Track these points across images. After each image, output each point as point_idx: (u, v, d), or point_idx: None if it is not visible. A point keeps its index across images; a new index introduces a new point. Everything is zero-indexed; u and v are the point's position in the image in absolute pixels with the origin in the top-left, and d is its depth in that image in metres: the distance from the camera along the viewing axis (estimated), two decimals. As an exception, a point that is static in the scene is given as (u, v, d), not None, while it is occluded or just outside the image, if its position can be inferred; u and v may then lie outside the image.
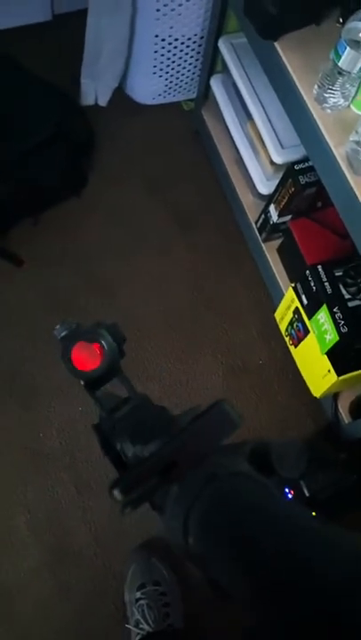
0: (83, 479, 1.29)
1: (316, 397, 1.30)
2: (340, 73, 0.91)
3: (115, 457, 0.52)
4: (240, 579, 0.40)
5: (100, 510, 1.27)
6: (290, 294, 1.27)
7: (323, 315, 1.16)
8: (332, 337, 1.14)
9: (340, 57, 0.89)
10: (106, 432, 0.54)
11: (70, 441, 1.32)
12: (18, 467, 1.29)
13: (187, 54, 1.51)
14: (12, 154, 1.39)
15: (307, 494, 1.18)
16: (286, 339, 1.36)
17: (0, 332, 1.40)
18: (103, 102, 1.58)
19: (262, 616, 0.39)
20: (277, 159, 1.25)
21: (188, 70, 1.57)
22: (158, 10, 1.36)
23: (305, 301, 1.22)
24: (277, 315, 1.38)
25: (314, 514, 1.23)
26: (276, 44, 1.03)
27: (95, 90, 1.55)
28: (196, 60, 1.54)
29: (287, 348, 1.36)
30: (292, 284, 1.25)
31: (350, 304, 1.15)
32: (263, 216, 1.40)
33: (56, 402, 1.35)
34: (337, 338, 1.13)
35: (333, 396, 1.30)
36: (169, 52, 1.49)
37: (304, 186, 1.21)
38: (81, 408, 1.34)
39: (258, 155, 1.38)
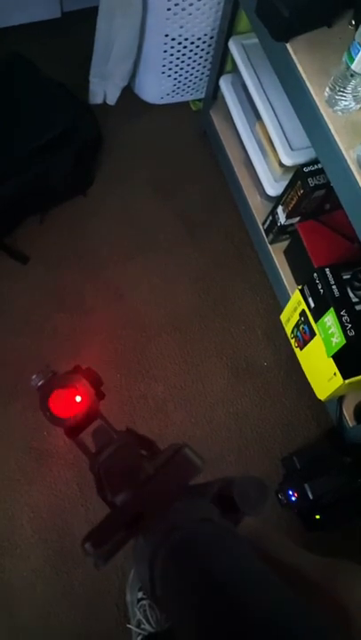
0: (86, 478, 1.29)
1: (320, 400, 1.30)
2: (352, 76, 0.90)
3: (108, 500, 0.53)
4: (188, 625, 0.41)
5: (103, 510, 1.26)
6: (296, 296, 1.26)
7: (330, 318, 1.15)
8: (338, 340, 1.14)
9: (354, 60, 0.88)
10: (95, 475, 0.56)
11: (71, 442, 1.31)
12: (22, 466, 1.29)
13: (196, 54, 1.51)
14: (21, 152, 1.39)
15: (311, 497, 1.17)
16: (292, 341, 1.35)
17: (5, 331, 1.40)
18: (112, 101, 1.57)
19: None
20: (286, 161, 1.24)
21: (198, 70, 1.57)
22: (169, 9, 1.35)
23: (312, 304, 1.21)
24: (283, 317, 1.37)
25: (318, 517, 1.22)
26: (287, 46, 1.02)
27: (104, 89, 1.54)
28: (206, 60, 1.53)
29: (293, 350, 1.36)
30: (299, 287, 1.24)
31: (358, 307, 1.15)
32: (271, 218, 1.40)
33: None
34: (344, 341, 1.12)
35: (338, 399, 1.30)
36: (179, 51, 1.48)
37: (313, 188, 1.20)
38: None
39: (266, 156, 1.37)
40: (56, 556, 1.23)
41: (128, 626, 1.14)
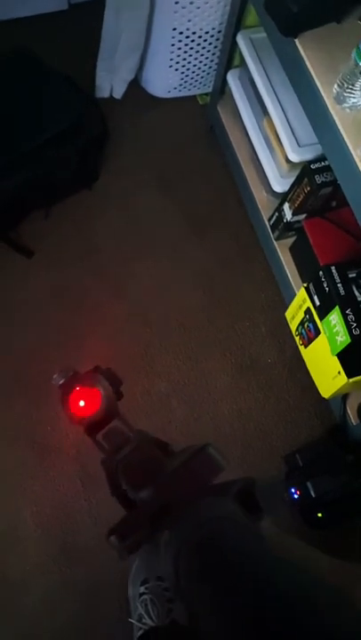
0: (89, 473, 1.29)
1: (324, 398, 1.29)
2: (361, 73, 0.89)
3: (121, 495, 0.55)
4: (213, 613, 0.43)
5: (105, 504, 1.28)
6: (302, 294, 1.26)
7: (335, 316, 1.15)
8: (343, 339, 1.13)
9: (362, 56, 0.87)
10: (111, 471, 0.57)
11: (77, 435, 1.32)
12: (25, 461, 1.29)
13: (204, 48, 1.50)
14: (26, 147, 1.38)
15: (313, 496, 1.17)
16: (296, 338, 1.35)
17: (9, 326, 1.40)
18: (118, 95, 1.57)
19: None
20: (293, 157, 1.24)
21: (205, 64, 1.56)
22: (177, 2, 1.34)
23: (317, 302, 1.21)
24: (288, 314, 1.37)
25: (320, 515, 1.22)
26: (296, 41, 1.01)
27: (111, 83, 1.54)
28: (214, 54, 1.52)
29: (297, 347, 1.35)
30: (305, 285, 1.24)
31: (363, 306, 1.14)
32: (277, 214, 1.39)
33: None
34: (349, 340, 1.12)
35: (342, 397, 1.30)
36: (186, 45, 1.47)
37: (320, 185, 1.19)
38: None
39: (273, 152, 1.36)
40: (59, 550, 1.23)
41: (130, 620, 1.15)
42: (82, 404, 0.58)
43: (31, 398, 1.34)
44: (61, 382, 0.60)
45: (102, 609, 1.20)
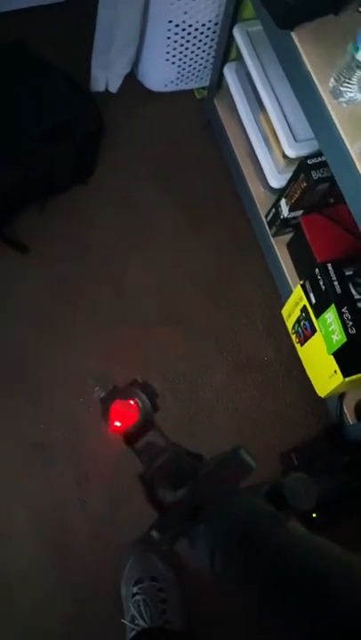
0: (83, 471, 1.28)
1: (321, 397, 1.28)
2: (358, 66, 0.87)
3: (157, 503, 0.59)
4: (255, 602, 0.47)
5: (99, 503, 1.27)
6: (298, 292, 1.24)
7: (331, 314, 1.13)
8: (339, 337, 1.12)
9: (359, 49, 0.85)
10: (147, 481, 0.61)
11: (72, 432, 1.31)
12: (19, 458, 1.28)
13: (200, 41, 1.47)
14: (21, 141, 1.37)
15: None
16: (293, 336, 1.33)
17: (5, 322, 1.39)
18: (114, 89, 1.54)
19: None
20: (290, 152, 1.22)
21: (202, 58, 1.53)
22: (172, -6, 1.32)
23: (313, 300, 1.19)
24: (285, 312, 1.35)
25: (315, 515, 1.20)
26: (292, 34, 0.99)
27: (106, 77, 1.51)
28: (210, 47, 1.50)
29: (294, 345, 1.34)
30: (301, 282, 1.22)
31: (360, 304, 1.13)
32: (274, 210, 1.37)
33: (59, 393, 1.34)
34: (345, 339, 1.10)
35: (339, 396, 1.28)
36: (182, 38, 1.45)
37: (317, 181, 1.17)
38: (82, 399, 1.33)
39: (270, 147, 1.34)
40: (53, 548, 1.22)
41: (122, 621, 1.14)
42: (117, 422, 0.64)
43: (25, 396, 1.33)
44: (102, 395, 0.65)
45: (96, 608, 1.19)
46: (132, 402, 0.64)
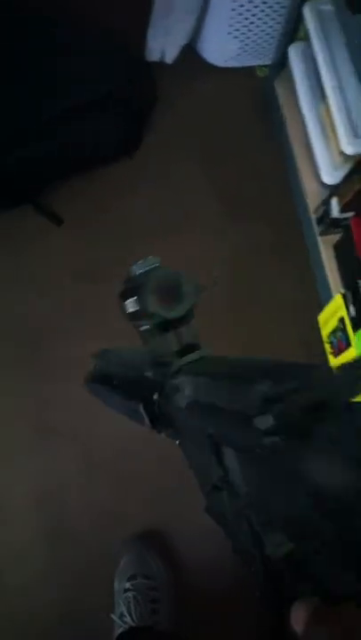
0: (90, 457, 1.25)
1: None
2: None
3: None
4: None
5: (102, 492, 1.24)
6: (338, 301, 1.15)
7: (369, 331, 1.05)
8: (375, 357, 1.03)
9: None
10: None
11: (82, 417, 1.27)
12: (26, 437, 1.26)
13: (268, 15, 1.36)
14: (66, 108, 1.30)
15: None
16: (327, 346, 1.25)
17: (29, 294, 1.35)
18: (170, 59, 1.45)
19: None
20: (347, 149, 1.11)
21: (267, 34, 1.42)
22: None
23: (352, 313, 1.10)
24: (321, 318, 1.27)
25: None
26: (365, 19, 0.89)
27: (162, 46, 1.42)
28: (278, 22, 1.38)
29: (326, 355, 1.26)
30: (342, 292, 1.13)
31: None
32: (324, 207, 1.28)
33: (72, 375, 1.29)
34: (380, 360, 1.02)
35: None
36: (248, 11, 1.34)
37: (373, 184, 1.07)
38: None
39: (328, 140, 1.24)
40: (51, 533, 1.20)
41: (111, 616, 1.12)
42: None
43: (39, 372, 1.30)
44: (145, 269, 0.50)
45: (87, 597, 1.17)
46: None
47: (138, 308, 0.47)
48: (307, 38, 1.25)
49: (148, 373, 0.47)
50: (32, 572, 1.18)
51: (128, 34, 1.38)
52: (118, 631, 1.09)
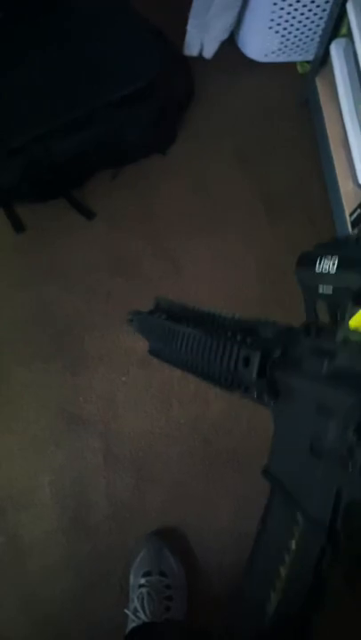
0: (112, 451, 1.26)
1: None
2: None
3: None
4: None
5: (123, 486, 1.25)
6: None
7: None
8: None
9: None
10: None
11: (108, 410, 1.29)
12: (53, 427, 1.28)
13: (310, 10, 1.33)
14: (102, 100, 1.30)
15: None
16: None
17: (58, 287, 1.37)
18: (208, 55, 1.44)
19: None
20: (386, 152, 1.08)
21: (310, 29, 1.39)
22: None
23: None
24: (352, 323, 1.24)
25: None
26: None
27: (201, 41, 1.40)
28: (320, 18, 1.35)
29: None
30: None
31: None
32: (359, 210, 1.24)
33: (101, 369, 1.31)
34: None
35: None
36: (290, 5, 1.31)
37: None
38: (124, 379, 1.30)
39: (367, 141, 1.20)
40: (70, 523, 1.22)
41: (125, 611, 1.13)
42: None
43: (67, 364, 1.32)
44: None
45: (103, 590, 1.19)
46: None
47: (335, 270, 0.44)
48: (350, 35, 1.21)
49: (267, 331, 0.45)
50: (52, 560, 1.20)
51: (167, 28, 1.37)
52: (131, 626, 1.11)
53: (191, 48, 1.43)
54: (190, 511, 1.22)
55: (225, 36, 1.39)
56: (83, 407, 1.30)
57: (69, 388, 1.30)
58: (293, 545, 0.38)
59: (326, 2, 1.29)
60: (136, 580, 1.16)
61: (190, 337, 0.51)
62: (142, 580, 1.15)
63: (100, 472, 1.25)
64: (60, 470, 1.25)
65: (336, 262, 0.43)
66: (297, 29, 1.38)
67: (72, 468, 1.25)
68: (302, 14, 1.33)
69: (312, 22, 1.36)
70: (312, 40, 1.42)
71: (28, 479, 1.25)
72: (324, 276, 0.44)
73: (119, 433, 1.28)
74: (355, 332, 0.42)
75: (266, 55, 1.48)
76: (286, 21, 1.35)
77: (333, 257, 0.44)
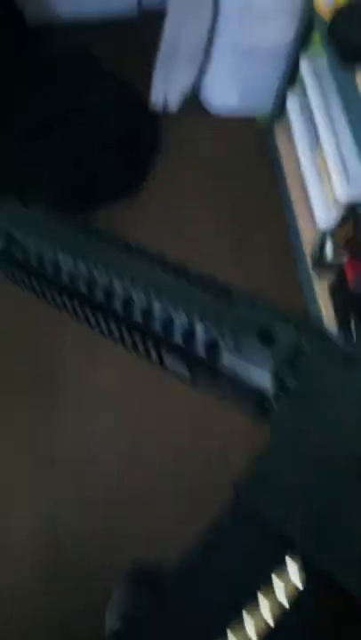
0: (88, 492, 1.25)
1: None
2: None
3: None
4: None
5: (95, 523, 1.23)
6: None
7: None
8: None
9: None
10: None
11: (83, 451, 1.28)
12: (28, 466, 1.27)
13: (267, 66, 1.42)
14: (74, 149, 1.36)
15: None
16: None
17: (32, 331, 1.38)
18: (173, 107, 1.52)
19: None
20: (341, 194, 1.15)
21: (267, 83, 1.48)
22: (241, 16, 1.28)
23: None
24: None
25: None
26: (356, 75, 0.94)
27: (166, 92, 1.49)
28: (277, 74, 1.44)
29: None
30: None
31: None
32: (319, 250, 1.31)
33: (79, 408, 1.32)
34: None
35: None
36: (248, 61, 1.40)
37: (365, 228, 1.11)
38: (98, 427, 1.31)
39: (323, 185, 1.28)
40: (48, 572, 1.20)
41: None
42: None
43: (45, 405, 1.32)
44: None
45: (78, 629, 1.16)
46: None
47: None
48: (304, 88, 1.31)
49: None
50: (30, 607, 1.17)
51: (137, 83, 1.45)
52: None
53: (157, 100, 1.51)
54: (167, 548, 1.21)
55: (187, 89, 1.47)
56: (57, 447, 1.29)
57: (46, 427, 1.30)
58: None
59: (282, 58, 1.39)
60: (114, 624, 1.13)
61: None
62: (120, 625, 1.12)
63: (73, 514, 1.24)
64: (35, 510, 1.23)
65: None
66: (255, 84, 1.48)
67: (46, 509, 1.24)
68: (260, 69, 1.43)
69: (270, 76, 1.45)
70: (270, 94, 1.51)
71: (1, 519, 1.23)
72: None
73: (94, 473, 1.27)
74: None
75: (227, 109, 1.57)
76: (245, 77, 1.45)
77: None
